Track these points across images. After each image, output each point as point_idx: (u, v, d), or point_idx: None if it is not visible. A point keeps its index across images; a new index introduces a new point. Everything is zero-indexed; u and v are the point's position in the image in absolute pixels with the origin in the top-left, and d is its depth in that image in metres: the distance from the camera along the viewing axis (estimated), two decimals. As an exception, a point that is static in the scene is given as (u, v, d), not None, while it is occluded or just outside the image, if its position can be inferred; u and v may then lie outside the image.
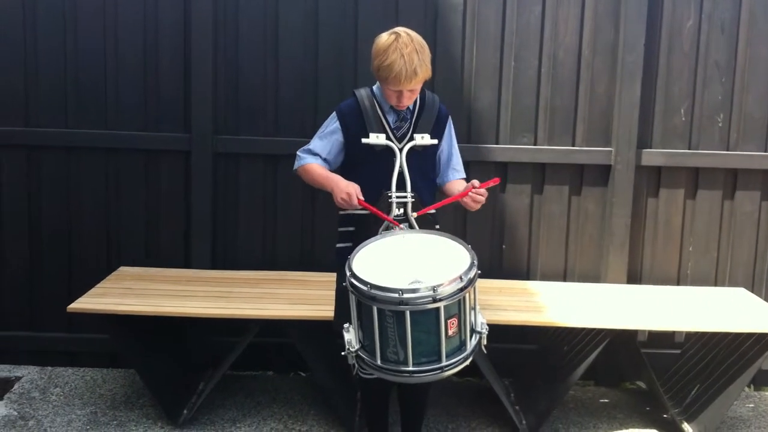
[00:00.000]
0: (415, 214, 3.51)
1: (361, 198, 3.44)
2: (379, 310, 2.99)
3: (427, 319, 2.96)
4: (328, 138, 3.66)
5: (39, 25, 4.81)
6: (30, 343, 5.00)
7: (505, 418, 4.40)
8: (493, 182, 3.47)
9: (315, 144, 3.68)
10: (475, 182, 3.47)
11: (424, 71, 3.46)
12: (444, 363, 3.02)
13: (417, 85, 3.50)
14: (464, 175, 3.83)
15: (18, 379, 4.84)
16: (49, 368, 4.98)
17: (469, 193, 3.46)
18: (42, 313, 4.98)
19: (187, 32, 4.79)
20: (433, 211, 3.69)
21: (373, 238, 3.33)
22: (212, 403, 4.54)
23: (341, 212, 3.66)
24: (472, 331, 3.11)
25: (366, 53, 3.54)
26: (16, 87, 4.85)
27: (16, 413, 4.40)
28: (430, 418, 4.44)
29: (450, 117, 3.78)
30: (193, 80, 4.80)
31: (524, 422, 4.35)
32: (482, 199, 3.49)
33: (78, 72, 4.85)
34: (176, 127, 4.88)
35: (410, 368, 3.01)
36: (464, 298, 3.01)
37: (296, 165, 3.72)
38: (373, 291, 2.97)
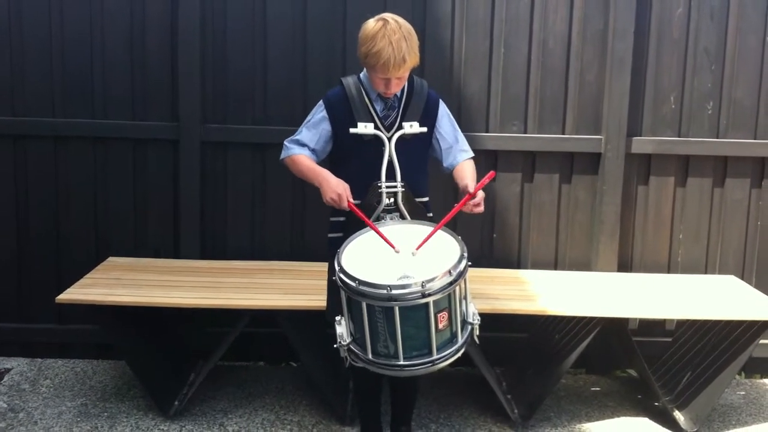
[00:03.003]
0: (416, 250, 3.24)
1: (351, 201, 3.39)
2: (369, 306, 2.97)
3: (416, 314, 2.94)
4: (315, 128, 3.62)
5: (24, 13, 4.76)
6: (19, 334, 4.98)
7: (496, 407, 4.40)
8: (489, 178, 3.33)
9: (303, 134, 3.63)
10: (469, 187, 3.40)
11: (413, 58, 3.42)
12: (435, 356, 3.00)
13: (405, 73, 3.46)
14: (472, 154, 3.76)
15: (8, 371, 4.81)
16: (39, 360, 4.96)
17: (467, 204, 3.36)
18: (31, 304, 4.96)
19: (174, 20, 4.76)
20: (425, 199, 3.67)
21: (362, 231, 3.30)
22: (203, 394, 4.52)
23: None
24: (464, 322, 3.10)
25: (355, 40, 3.50)
26: (2, 76, 4.81)
27: (6, 405, 4.38)
28: (421, 407, 4.43)
29: (441, 100, 3.73)
30: (180, 68, 4.77)
31: (516, 411, 4.36)
32: (481, 202, 3.40)
33: (65, 61, 4.81)
34: (164, 116, 4.85)
35: (401, 362, 3.00)
36: (454, 290, 2.99)
37: (283, 155, 3.68)
38: (361, 287, 2.95)
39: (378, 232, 3.23)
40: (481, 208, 3.40)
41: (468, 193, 3.37)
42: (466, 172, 3.60)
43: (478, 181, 3.44)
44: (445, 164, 3.72)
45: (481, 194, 3.38)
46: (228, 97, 4.85)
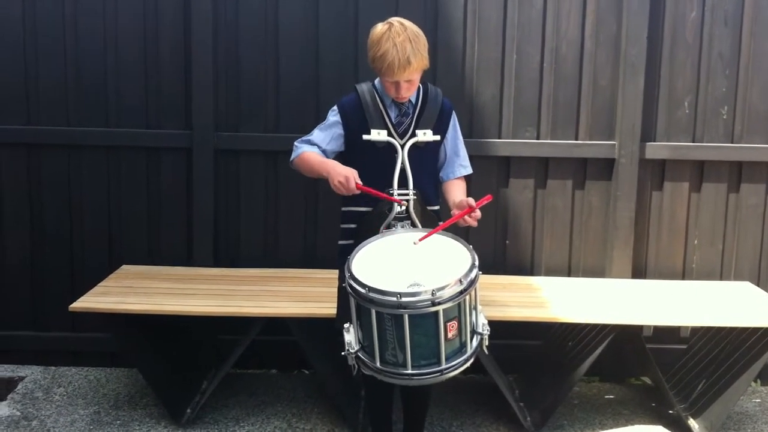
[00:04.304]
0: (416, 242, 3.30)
1: (359, 182, 3.35)
2: (378, 313, 2.95)
3: (426, 322, 2.92)
4: (328, 129, 3.60)
5: (39, 22, 4.79)
6: (33, 342, 5.00)
7: (509, 415, 4.38)
8: (486, 200, 3.34)
9: (314, 135, 3.62)
10: (471, 201, 3.37)
11: (419, 60, 3.39)
12: (444, 366, 2.98)
13: (413, 75, 3.43)
14: (471, 171, 3.77)
15: (21, 379, 4.83)
16: (53, 368, 4.98)
17: (466, 217, 3.36)
18: (45, 312, 4.97)
19: (187, 29, 4.77)
20: (436, 207, 3.66)
21: (373, 238, 3.29)
22: (215, 402, 4.52)
23: (343, 208, 3.62)
24: (473, 332, 3.08)
25: (366, 48, 3.50)
26: (16, 85, 4.84)
27: (19, 413, 4.40)
28: (434, 415, 4.42)
29: (454, 110, 3.72)
30: (194, 77, 4.78)
31: (529, 419, 4.33)
32: (475, 223, 3.41)
33: (78, 69, 4.83)
34: (177, 124, 4.87)
35: (409, 371, 2.97)
36: (464, 300, 2.98)
37: (293, 155, 3.64)
38: (371, 294, 2.93)
39: (389, 198, 3.32)
40: (476, 223, 3.40)
41: (470, 206, 3.35)
42: (458, 191, 3.64)
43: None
44: (440, 174, 3.72)
45: (477, 212, 3.38)
46: (241, 105, 4.85)
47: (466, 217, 3.36)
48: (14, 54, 4.81)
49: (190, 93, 4.80)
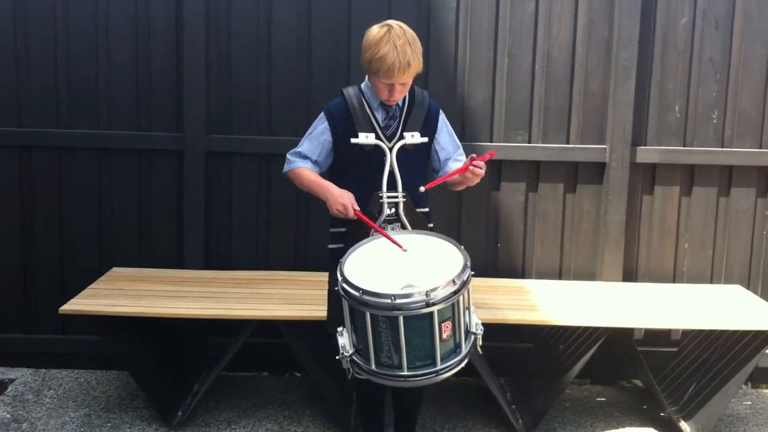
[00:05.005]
0: (423, 188, 3.41)
1: (357, 209, 3.40)
2: (372, 316, 2.96)
3: (420, 323, 2.93)
4: (317, 139, 3.62)
5: (30, 24, 4.78)
6: (23, 345, 4.98)
7: (501, 418, 4.38)
8: (489, 155, 3.40)
9: (304, 146, 3.63)
10: (474, 155, 3.39)
11: (417, 63, 3.42)
12: (439, 366, 2.99)
13: (409, 78, 3.45)
14: None
15: (11, 381, 4.81)
16: (43, 370, 4.96)
17: (470, 168, 3.37)
18: (35, 314, 4.96)
19: (179, 31, 4.77)
20: (426, 209, 3.66)
21: (364, 240, 3.30)
22: (207, 405, 4.52)
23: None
24: (467, 332, 3.09)
25: (359, 51, 3.51)
26: (8, 87, 4.82)
27: (9, 416, 4.38)
28: (426, 417, 4.42)
29: (441, 111, 3.73)
30: (186, 79, 4.78)
31: (521, 421, 4.34)
32: (482, 172, 3.40)
33: (70, 72, 4.82)
34: (169, 127, 4.86)
35: (405, 373, 2.98)
36: (458, 300, 2.98)
37: (286, 168, 3.68)
38: (365, 297, 2.94)
39: (385, 235, 3.26)
40: (478, 178, 3.43)
41: (472, 157, 3.37)
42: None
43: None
44: (440, 173, 3.72)
45: (482, 165, 3.38)
46: (232, 107, 4.85)
47: (468, 173, 3.36)
48: (5, 56, 4.80)
49: (182, 95, 4.80)
